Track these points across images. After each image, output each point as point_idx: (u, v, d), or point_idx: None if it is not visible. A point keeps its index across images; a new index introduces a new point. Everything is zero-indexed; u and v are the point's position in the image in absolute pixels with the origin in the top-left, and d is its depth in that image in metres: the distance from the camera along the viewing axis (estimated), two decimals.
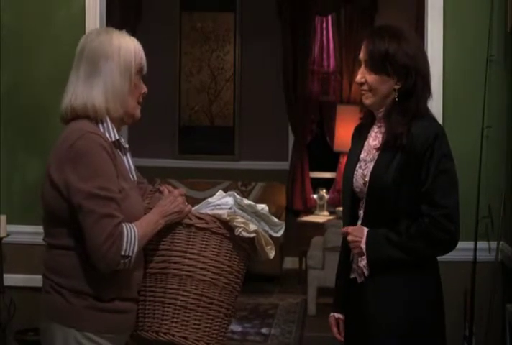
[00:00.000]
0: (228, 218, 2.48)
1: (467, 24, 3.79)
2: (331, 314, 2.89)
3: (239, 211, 2.56)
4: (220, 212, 2.51)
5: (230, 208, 2.54)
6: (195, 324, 2.47)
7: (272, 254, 2.59)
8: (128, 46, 2.45)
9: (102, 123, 2.43)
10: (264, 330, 5.73)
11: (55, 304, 2.39)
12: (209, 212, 2.52)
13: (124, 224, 2.34)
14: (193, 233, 2.48)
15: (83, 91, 2.41)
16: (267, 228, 2.61)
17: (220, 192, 2.61)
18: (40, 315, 2.46)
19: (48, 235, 2.45)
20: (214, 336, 2.51)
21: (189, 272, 2.47)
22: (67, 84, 2.47)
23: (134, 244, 2.33)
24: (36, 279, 3.68)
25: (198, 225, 2.48)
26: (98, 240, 2.29)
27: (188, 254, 2.47)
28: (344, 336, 2.85)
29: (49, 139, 3.83)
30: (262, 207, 2.61)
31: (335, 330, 2.87)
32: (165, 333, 2.46)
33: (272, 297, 6.75)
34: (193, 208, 2.56)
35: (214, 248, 2.49)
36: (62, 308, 2.37)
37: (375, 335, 2.67)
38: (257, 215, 2.59)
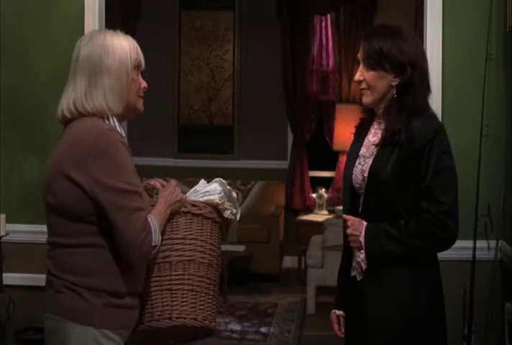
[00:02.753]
0: (220, 202, 2.65)
1: (466, 23, 3.79)
2: (333, 311, 2.91)
3: (224, 196, 2.71)
4: (212, 197, 2.65)
5: (220, 193, 2.67)
6: (201, 305, 2.59)
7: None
8: (122, 45, 2.49)
9: (108, 121, 2.46)
10: (263, 330, 5.73)
11: (71, 303, 2.38)
12: (201, 199, 2.66)
13: (147, 216, 2.42)
14: (189, 219, 2.61)
15: (82, 95, 2.44)
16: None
17: (203, 181, 2.75)
18: (48, 314, 2.43)
19: (60, 234, 2.43)
20: (214, 314, 2.64)
21: (191, 256, 2.59)
22: (65, 87, 2.50)
23: (159, 234, 2.43)
24: (35, 278, 3.70)
25: (194, 211, 2.62)
26: (133, 234, 2.34)
27: (187, 240, 2.59)
28: (345, 334, 2.86)
29: (48, 139, 3.84)
30: (235, 193, 2.79)
31: (336, 326, 2.89)
32: (177, 318, 2.55)
33: (271, 296, 6.75)
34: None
35: (207, 232, 2.64)
36: (80, 307, 2.37)
37: (375, 334, 2.67)
38: (229, 201, 2.73)
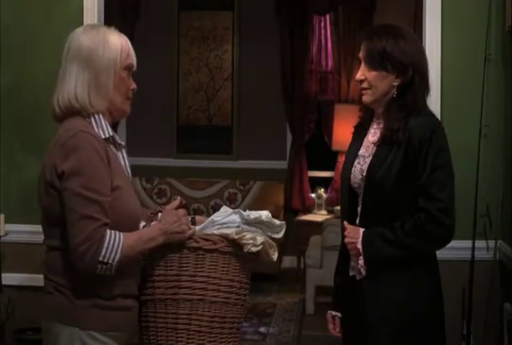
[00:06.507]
0: (236, 237, 2.46)
1: (465, 23, 3.80)
2: (329, 312, 2.91)
3: (246, 226, 2.53)
4: (228, 231, 2.48)
5: (238, 226, 2.50)
6: None
7: (275, 256, 2.58)
8: (113, 42, 2.44)
9: (94, 118, 2.42)
10: (262, 330, 5.73)
11: (58, 304, 2.39)
12: (215, 232, 2.49)
13: (108, 230, 2.31)
14: (201, 255, 2.46)
15: (67, 89, 2.41)
16: (269, 232, 2.58)
17: (224, 209, 2.58)
18: (42, 316, 2.45)
19: (47, 237, 2.45)
20: None
21: (200, 295, 2.46)
22: (57, 82, 2.47)
23: (116, 252, 2.30)
24: (34, 279, 3.70)
25: (206, 247, 2.45)
26: (77, 240, 2.27)
27: (197, 278, 2.46)
28: (343, 334, 2.86)
29: (47, 139, 3.82)
30: (266, 215, 2.57)
31: (331, 326, 2.90)
32: None
33: (270, 296, 6.75)
34: (198, 228, 2.52)
35: (223, 267, 2.48)
36: (66, 308, 2.37)
37: (373, 333, 2.68)
38: (262, 224, 2.56)
